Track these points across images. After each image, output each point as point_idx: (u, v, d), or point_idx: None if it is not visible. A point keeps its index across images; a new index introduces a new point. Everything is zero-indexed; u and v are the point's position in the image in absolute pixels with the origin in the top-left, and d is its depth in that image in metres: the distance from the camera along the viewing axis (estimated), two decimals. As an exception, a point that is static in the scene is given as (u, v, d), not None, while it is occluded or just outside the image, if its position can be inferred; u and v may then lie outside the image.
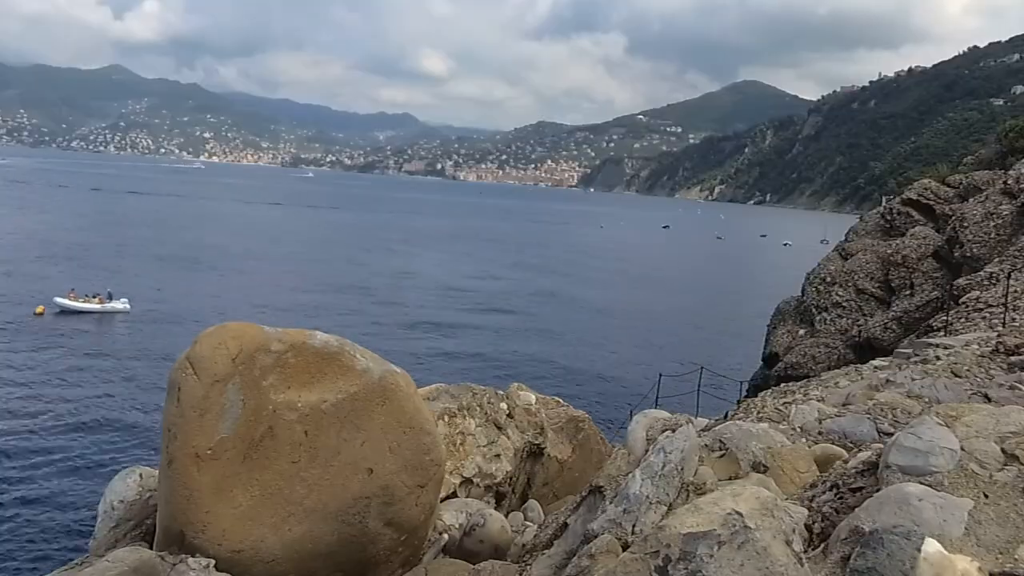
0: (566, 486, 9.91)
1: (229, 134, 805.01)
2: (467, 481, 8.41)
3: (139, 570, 5.09)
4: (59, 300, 48.12)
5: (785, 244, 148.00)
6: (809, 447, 5.08)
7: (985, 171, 20.65)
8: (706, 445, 4.66)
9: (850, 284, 18.65)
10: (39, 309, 47.25)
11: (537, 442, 9.70)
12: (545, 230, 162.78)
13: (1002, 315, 11.27)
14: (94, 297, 49.42)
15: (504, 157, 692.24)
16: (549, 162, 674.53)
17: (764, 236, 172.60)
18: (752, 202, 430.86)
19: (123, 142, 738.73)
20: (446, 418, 8.58)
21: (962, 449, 3.49)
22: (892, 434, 4.36)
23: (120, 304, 49.98)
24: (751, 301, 66.23)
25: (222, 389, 5.44)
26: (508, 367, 43.14)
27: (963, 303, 13.25)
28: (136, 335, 44.55)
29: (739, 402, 14.01)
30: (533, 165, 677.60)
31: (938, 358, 8.25)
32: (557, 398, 11.34)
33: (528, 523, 7.63)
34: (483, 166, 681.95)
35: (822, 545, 3.36)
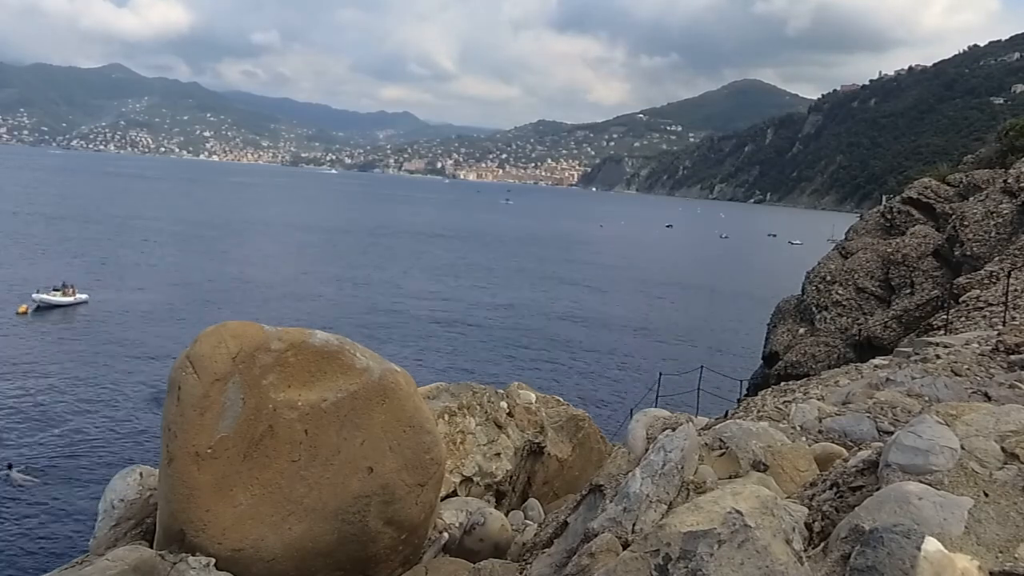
0: (566, 485, 9.91)
1: (229, 133, 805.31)
2: (467, 480, 8.41)
3: (139, 569, 5.09)
4: (36, 296, 47.69)
5: (791, 243, 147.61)
6: (809, 446, 5.08)
7: (985, 170, 20.64)
8: (706, 444, 4.65)
9: (850, 283, 18.65)
10: (21, 308, 46.81)
11: (537, 441, 9.70)
12: (545, 229, 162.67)
13: (1002, 314, 11.26)
14: (61, 289, 48.95)
15: (504, 156, 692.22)
16: (549, 161, 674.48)
17: (773, 236, 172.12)
18: (752, 201, 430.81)
19: (123, 141, 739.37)
20: (446, 417, 8.57)
21: (962, 448, 3.49)
22: (892, 433, 4.36)
23: (83, 296, 49.84)
24: (752, 300, 66.28)
25: (222, 388, 5.44)
26: (508, 366, 43.17)
27: (963, 302, 13.25)
28: (129, 331, 44.50)
29: (739, 401, 14.02)
30: (533, 164, 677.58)
31: (938, 357, 8.25)
32: (557, 397, 11.34)
33: (528, 522, 7.63)
34: (483, 165, 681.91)
35: (822, 544, 3.36)
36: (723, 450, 4.57)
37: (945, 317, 13.02)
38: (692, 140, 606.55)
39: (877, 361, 10.03)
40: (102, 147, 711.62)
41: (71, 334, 43.06)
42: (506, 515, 7.48)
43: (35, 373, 35.28)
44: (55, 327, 44.38)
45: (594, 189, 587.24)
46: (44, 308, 47.32)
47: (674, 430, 4.68)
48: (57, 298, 48.09)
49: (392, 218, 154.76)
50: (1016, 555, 2.96)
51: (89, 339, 42.26)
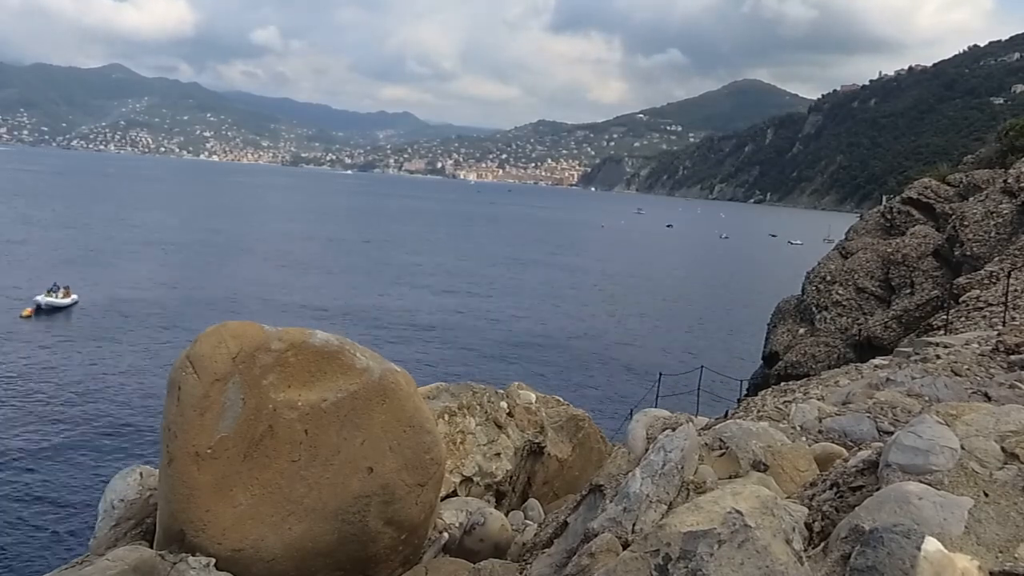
0: (566, 485, 9.91)
1: (229, 133, 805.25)
2: (467, 480, 8.41)
3: (139, 569, 5.09)
4: (42, 300, 47.44)
5: (791, 243, 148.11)
6: (809, 446, 5.08)
7: (985, 170, 20.66)
8: (706, 444, 4.65)
9: (850, 283, 18.66)
10: (26, 311, 46.60)
11: (537, 441, 9.70)
12: (546, 229, 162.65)
13: (1002, 314, 11.27)
14: (57, 291, 48.56)
15: (504, 156, 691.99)
16: (549, 161, 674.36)
17: (774, 236, 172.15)
18: (752, 201, 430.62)
19: (123, 141, 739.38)
20: (446, 417, 8.57)
21: (962, 448, 3.49)
22: (892, 433, 4.36)
23: (74, 296, 49.58)
24: (752, 300, 66.28)
25: (222, 388, 5.44)
26: (508, 366, 43.16)
27: (963, 302, 13.26)
28: (128, 331, 44.49)
29: (739, 401, 14.04)
30: (534, 164, 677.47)
31: (938, 357, 8.25)
32: (557, 397, 11.33)
33: (528, 522, 7.63)
34: (483, 165, 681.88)
35: (822, 544, 3.36)
36: (723, 450, 4.57)
37: (945, 317, 13.03)
38: (692, 140, 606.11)
39: (877, 361, 10.03)
40: (102, 147, 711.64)
41: (70, 335, 43.05)
42: (506, 515, 7.48)
43: (36, 374, 35.28)
44: (56, 328, 44.36)
45: (593, 189, 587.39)
46: (47, 310, 47.15)
47: (674, 430, 4.68)
48: (61, 300, 47.90)
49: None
50: (1016, 555, 2.96)
51: (88, 339, 42.24)
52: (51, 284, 49.16)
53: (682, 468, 4.25)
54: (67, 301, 48.36)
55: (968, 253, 16.13)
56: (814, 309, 18.95)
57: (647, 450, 4.71)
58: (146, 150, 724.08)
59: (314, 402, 5.72)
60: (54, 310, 47.32)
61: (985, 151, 24.92)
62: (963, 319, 12.32)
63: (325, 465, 5.69)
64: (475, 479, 8.49)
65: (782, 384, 11.53)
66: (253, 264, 75.85)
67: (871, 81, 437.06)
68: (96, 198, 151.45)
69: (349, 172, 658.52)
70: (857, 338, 17.02)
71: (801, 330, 18.97)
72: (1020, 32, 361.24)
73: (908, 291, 17.22)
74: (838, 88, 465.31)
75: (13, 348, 39.35)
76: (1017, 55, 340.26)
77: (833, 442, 5.32)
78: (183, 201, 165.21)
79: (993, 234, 16.06)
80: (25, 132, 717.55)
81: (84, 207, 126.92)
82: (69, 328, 44.73)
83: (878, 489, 3.40)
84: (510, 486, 9.05)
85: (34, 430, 28.52)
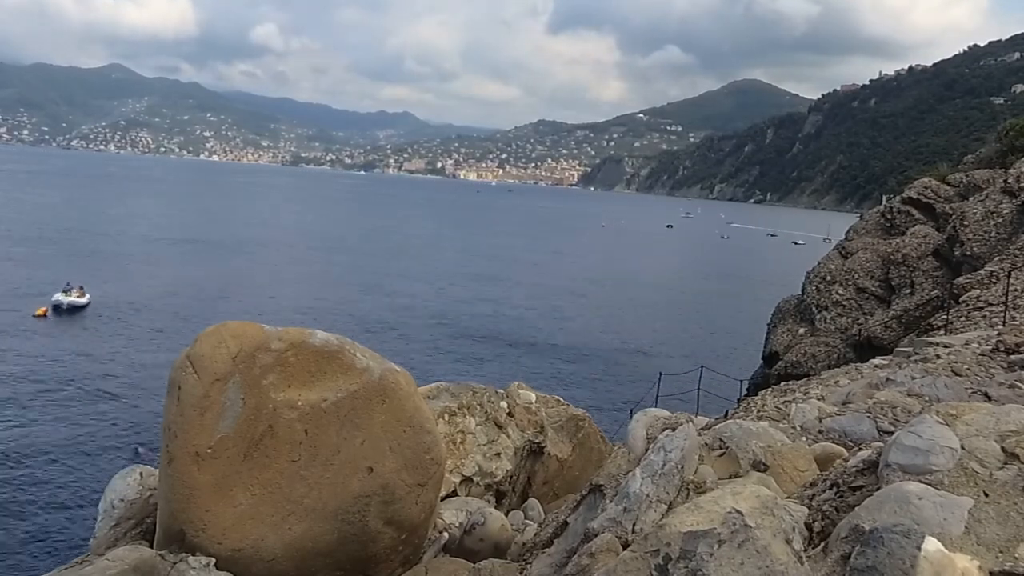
0: (566, 485, 9.91)
1: (229, 133, 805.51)
2: (467, 480, 8.41)
3: (139, 569, 5.09)
4: (59, 298, 47.23)
5: (795, 243, 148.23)
6: (809, 446, 5.08)
7: (985, 170, 20.65)
8: (706, 444, 4.65)
9: (850, 283, 18.65)
10: (40, 310, 46.40)
11: (537, 441, 9.70)
12: (545, 229, 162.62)
13: (1002, 314, 11.27)
14: (71, 290, 48.23)
15: (504, 156, 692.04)
16: (549, 160, 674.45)
17: (774, 235, 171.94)
18: (752, 201, 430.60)
19: (123, 141, 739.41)
20: (446, 417, 8.57)
21: (962, 448, 3.49)
22: (892, 433, 4.36)
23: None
24: (752, 300, 66.28)
25: (222, 388, 5.44)
26: (508, 366, 43.14)
27: (963, 302, 13.25)
28: (130, 332, 44.48)
29: (739, 401, 14.03)
30: (534, 164, 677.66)
31: (938, 357, 8.25)
32: (557, 397, 11.33)
33: (528, 522, 7.63)
34: (483, 164, 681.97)
35: (822, 544, 3.36)
36: (723, 450, 4.56)
37: (945, 317, 13.03)
38: (692, 140, 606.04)
39: (877, 361, 10.03)
40: (102, 147, 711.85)
41: (73, 335, 43.05)
42: (506, 515, 7.48)
43: (39, 373, 35.28)
44: (61, 328, 44.33)
45: (593, 189, 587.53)
46: (68, 310, 46.81)
47: (674, 430, 4.68)
48: (77, 299, 47.55)
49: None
50: (1016, 555, 2.96)
51: (89, 339, 42.23)
52: (64, 284, 48.93)
53: (682, 468, 4.25)
54: (84, 300, 48.13)
55: (968, 253, 16.12)
56: (814, 309, 18.95)
57: (647, 450, 4.71)
58: (146, 150, 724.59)
59: (314, 402, 5.72)
60: (75, 309, 47.02)
61: (985, 151, 24.90)
62: (963, 319, 12.32)
63: (325, 465, 5.69)
64: (475, 479, 8.50)
65: (782, 384, 11.53)
66: (253, 264, 75.83)
67: (871, 81, 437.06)
68: (98, 197, 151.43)
69: (362, 172, 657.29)
70: (857, 338, 17.02)
71: (801, 330, 18.97)
72: (1020, 32, 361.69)
73: (908, 291, 17.22)
74: (838, 88, 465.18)
75: (22, 347, 39.35)
76: (1017, 55, 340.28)
77: (833, 442, 5.31)
78: (185, 201, 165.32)
79: (993, 234, 16.06)
80: (25, 132, 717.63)
81: (86, 207, 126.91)
82: (74, 328, 44.70)
83: (878, 489, 3.40)
84: (510, 486, 9.05)
85: (35, 429, 28.52)
